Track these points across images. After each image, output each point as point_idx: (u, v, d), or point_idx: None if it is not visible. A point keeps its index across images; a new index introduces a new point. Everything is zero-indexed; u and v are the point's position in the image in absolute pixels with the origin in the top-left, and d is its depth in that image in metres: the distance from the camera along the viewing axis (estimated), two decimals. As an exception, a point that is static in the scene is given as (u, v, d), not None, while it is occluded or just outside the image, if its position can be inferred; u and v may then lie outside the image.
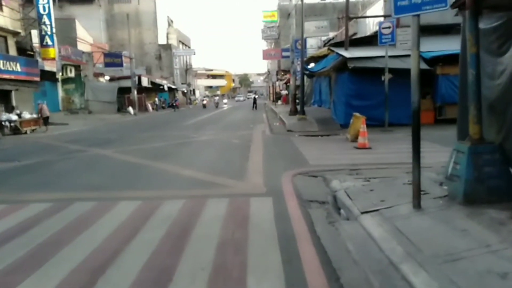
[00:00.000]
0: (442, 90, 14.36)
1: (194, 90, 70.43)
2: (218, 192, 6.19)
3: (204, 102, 46.83)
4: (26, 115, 18.26)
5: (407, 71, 13.76)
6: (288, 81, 36.05)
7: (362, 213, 4.86)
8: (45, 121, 18.52)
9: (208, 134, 15.24)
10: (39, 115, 18.40)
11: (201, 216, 4.97)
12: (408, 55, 14.56)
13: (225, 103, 55.37)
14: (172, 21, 60.45)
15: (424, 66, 14.11)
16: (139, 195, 6.09)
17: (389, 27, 13.42)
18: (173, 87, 49.89)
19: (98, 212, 5.34)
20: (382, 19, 17.57)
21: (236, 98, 79.77)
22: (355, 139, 11.34)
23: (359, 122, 11.28)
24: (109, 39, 47.54)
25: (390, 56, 13.64)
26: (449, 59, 14.27)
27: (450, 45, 15.09)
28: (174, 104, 40.42)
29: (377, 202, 5.11)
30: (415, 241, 3.93)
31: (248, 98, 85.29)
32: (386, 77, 13.49)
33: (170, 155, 10.07)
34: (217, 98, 51.91)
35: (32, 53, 22.40)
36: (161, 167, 8.34)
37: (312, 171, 7.55)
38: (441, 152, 9.32)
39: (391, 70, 13.56)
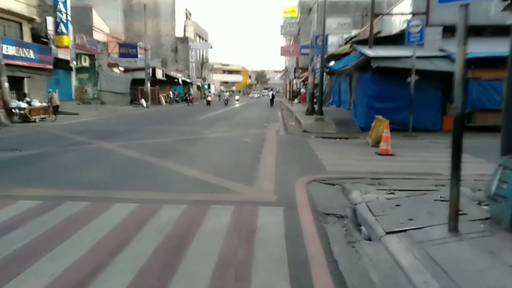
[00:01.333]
0: (473, 96, 13.40)
1: (209, 84, 70.02)
2: (223, 197, 5.54)
3: (209, 98, 39.19)
4: (36, 103, 17.97)
5: (434, 74, 12.98)
6: (306, 79, 35.22)
7: (387, 233, 4.15)
8: (55, 110, 18.19)
9: (220, 131, 14.63)
10: (49, 104, 18.08)
11: (201, 227, 4.34)
12: (437, 57, 13.83)
13: (237, 100, 50.46)
14: (190, 13, 60.07)
15: (453, 68, 13.09)
16: (136, 197, 5.50)
17: (418, 25, 12.55)
18: (188, 80, 49.54)
19: (89, 214, 4.76)
20: (410, 17, 16.66)
21: (250, 95, 76.92)
22: (376, 144, 10.56)
23: (382, 126, 10.49)
24: (126, 30, 47.43)
25: (417, 57, 12.77)
26: (482, 63, 13.34)
27: (482, 48, 14.11)
28: (188, 98, 40.00)
29: (404, 220, 4.39)
30: (454, 275, 3.22)
31: (263, 95, 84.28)
32: (413, 78, 12.63)
33: (176, 152, 9.48)
34: (227, 94, 45.06)
35: (46, 40, 22.14)
36: (165, 165, 7.74)
37: (329, 178, 6.84)
38: (473, 163, 8.48)
39: (417, 72, 12.70)
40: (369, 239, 4.41)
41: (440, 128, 14.18)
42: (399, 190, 5.80)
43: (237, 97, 53.79)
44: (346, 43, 24.62)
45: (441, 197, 5.02)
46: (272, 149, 10.12)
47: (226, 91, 53.33)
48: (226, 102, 39.82)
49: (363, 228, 4.65)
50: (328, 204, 5.33)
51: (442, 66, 13.31)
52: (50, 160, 8.28)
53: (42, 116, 18.07)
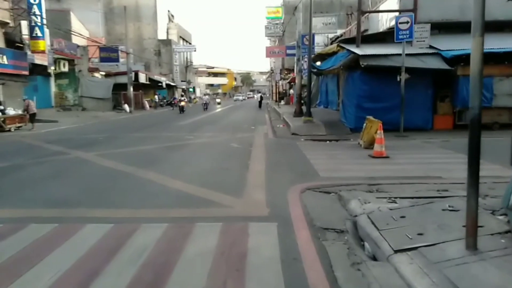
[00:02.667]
0: (463, 93, 13.10)
1: (194, 88, 69.18)
2: (209, 213, 4.97)
3: (182, 103, 29.88)
4: (11, 112, 17.07)
5: (424, 72, 12.62)
6: (293, 80, 34.85)
7: (396, 251, 3.66)
8: (32, 118, 17.29)
9: (205, 136, 14.04)
10: (25, 112, 17.17)
11: (184, 252, 3.76)
12: (427, 54, 13.48)
13: (219, 104, 46.85)
14: (173, 16, 59.23)
15: (444, 66, 12.94)
16: (112, 215, 4.90)
17: (407, 22, 12.21)
18: (172, 84, 48.69)
19: (54, 240, 4.14)
20: (396, 14, 16.37)
21: (235, 98, 73.07)
22: (369, 145, 10.14)
23: (374, 127, 10.07)
24: (107, 34, 46.33)
25: (407, 55, 12.43)
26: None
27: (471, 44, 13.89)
28: (173, 102, 39.17)
29: (413, 235, 3.90)
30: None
31: (248, 98, 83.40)
32: (403, 77, 12.29)
33: (159, 161, 8.86)
34: (206, 97, 37.75)
35: (21, 45, 21.17)
36: (146, 176, 7.12)
37: (323, 185, 6.34)
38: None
39: (407, 70, 12.36)
40: (374, 257, 3.92)
41: (431, 127, 13.89)
42: (401, 197, 5.34)
43: (218, 100, 49.97)
44: (332, 43, 24.33)
45: (449, 206, 4.56)
46: (261, 154, 9.60)
47: (205, 94, 44.80)
48: (206, 106, 34.16)
49: (366, 244, 4.16)
50: (326, 216, 4.82)
51: (432, 63, 13.02)
52: (18, 174, 7.55)
53: (18, 124, 17.18)
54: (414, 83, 13.06)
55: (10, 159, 9.20)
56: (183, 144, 11.80)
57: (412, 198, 5.34)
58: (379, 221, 4.33)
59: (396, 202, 5.07)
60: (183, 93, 32.49)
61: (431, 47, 13.79)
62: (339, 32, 27.51)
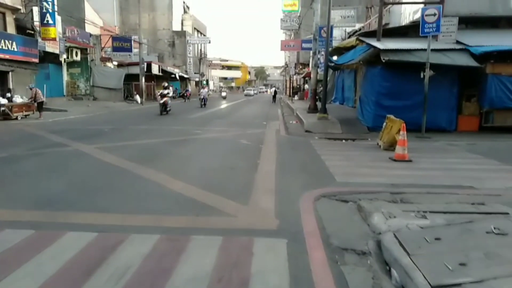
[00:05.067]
0: (492, 93, 12.19)
1: (207, 80, 68.67)
2: (209, 223, 4.33)
3: (165, 99, 19.89)
4: (18, 99, 16.72)
5: (450, 69, 11.69)
6: (307, 75, 33.95)
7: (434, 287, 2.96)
8: (39, 106, 16.92)
9: (214, 130, 13.40)
10: (32, 100, 16.80)
11: (173, 275, 3.13)
12: (454, 49, 12.52)
13: (224, 98, 41.75)
14: (188, 7, 58.62)
15: (472, 63, 11.99)
16: (98, 221, 4.30)
17: (434, 15, 11.30)
18: (186, 76, 48.19)
19: (27, 251, 3.56)
20: (420, 7, 15.40)
21: (246, 92, 67.24)
22: (389, 147, 9.37)
23: (395, 127, 9.29)
24: (122, 23, 46.06)
25: (432, 50, 11.55)
26: (503, 56, 12.12)
27: (501, 40, 12.91)
28: (185, 94, 38.70)
29: (454, 265, 3.18)
30: None
31: (260, 92, 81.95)
32: (427, 74, 11.42)
33: (162, 157, 8.26)
34: (204, 91, 28.74)
35: (32, 32, 20.82)
36: (144, 174, 6.52)
37: (340, 192, 5.64)
38: (504, 171, 7.31)
39: (432, 66, 11.49)
40: (403, 288, 3.23)
41: (455, 128, 12.99)
42: (431, 212, 4.61)
43: (223, 94, 44.90)
44: (349, 37, 23.39)
45: (494, 228, 3.82)
46: (271, 153, 8.91)
47: (203, 86, 34.47)
48: (204, 102, 27.07)
49: (393, 271, 3.45)
50: (344, 232, 4.13)
51: (460, 60, 12.08)
52: (6, 168, 6.99)
53: (26, 113, 16.83)
54: (438, 81, 12.18)
55: (6, 149, 8.72)
56: (189, 138, 11.19)
57: (445, 213, 4.60)
58: (409, 243, 3.62)
59: (426, 218, 4.34)
60: (166, 84, 21.50)
61: (458, 42, 12.85)
62: (357, 26, 26.48)
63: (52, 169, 6.94)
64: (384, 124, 10.21)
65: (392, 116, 9.97)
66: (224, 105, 32.26)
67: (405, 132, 8.27)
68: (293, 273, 3.18)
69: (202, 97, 27.47)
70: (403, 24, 16.51)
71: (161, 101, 19.75)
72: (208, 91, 30.80)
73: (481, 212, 4.61)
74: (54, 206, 4.79)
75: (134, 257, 3.41)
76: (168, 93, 20.58)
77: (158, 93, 21.60)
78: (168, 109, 20.12)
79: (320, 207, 4.98)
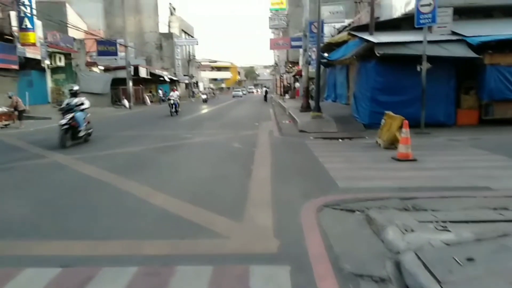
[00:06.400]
0: (491, 84, 11.72)
1: (197, 82, 67.82)
2: (197, 248, 3.68)
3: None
4: (-4, 108, 15.89)
5: (447, 61, 11.18)
6: (298, 73, 33.43)
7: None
8: (20, 115, 16.09)
9: (205, 133, 12.76)
10: (11, 109, 15.97)
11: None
12: (450, 41, 12.04)
13: (205, 101, 36.65)
14: (174, 8, 57.74)
15: (470, 53, 11.50)
16: (65, 251, 3.63)
17: (429, 5, 10.77)
18: (174, 78, 47.36)
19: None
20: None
21: (234, 93, 61.66)
22: (389, 145, 8.83)
23: (395, 124, 8.74)
24: (108, 27, 44.98)
25: (428, 42, 11.03)
26: (501, 46, 11.66)
27: (497, 29, 12.45)
28: (174, 97, 37.81)
29: (494, 293, 2.60)
30: None
31: (249, 92, 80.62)
32: (424, 66, 10.90)
33: (147, 166, 7.60)
34: (175, 94, 22.21)
35: (11, 38, 19.93)
36: (125, 187, 5.86)
37: (344, 200, 5.05)
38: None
39: (429, 59, 10.97)
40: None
41: (453, 122, 12.50)
42: (452, 221, 4.03)
43: (203, 97, 38.73)
44: (339, 33, 22.90)
45: (534, 242, 3.25)
46: (266, 157, 8.30)
47: (173, 89, 24.99)
48: (175, 109, 21.42)
49: (419, 301, 2.86)
50: (355, 252, 3.53)
51: (457, 51, 11.59)
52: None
53: (5, 122, 15.99)
54: (435, 74, 11.64)
55: (-24, 164, 7.98)
56: (178, 144, 10.53)
57: (467, 222, 4.04)
58: (436, 266, 3.02)
59: (449, 230, 3.76)
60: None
61: (453, 33, 12.38)
62: (346, 21, 26.00)
63: (21, 186, 6.22)
64: (383, 121, 9.67)
65: (390, 113, 9.43)
66: (204, 110, 27.20)
67: (408, 130, 7.71)
68: (301, 314, 2.57)
69: (172, 102, 21.36)
70: (394, 17, 16.03)
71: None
72: (179, 94, 23.48)
73: (509, 220, 4.05)
74: (14, 233, 4.10)
75: (103, 300, 2.76)
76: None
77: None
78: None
79: (324, 220, 4.38)
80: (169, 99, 22.56)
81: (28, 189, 5.98)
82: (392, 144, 8.78)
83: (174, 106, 21.42)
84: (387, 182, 5.98)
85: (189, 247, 3.69)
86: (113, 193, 5.61)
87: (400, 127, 8.39)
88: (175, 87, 27.47)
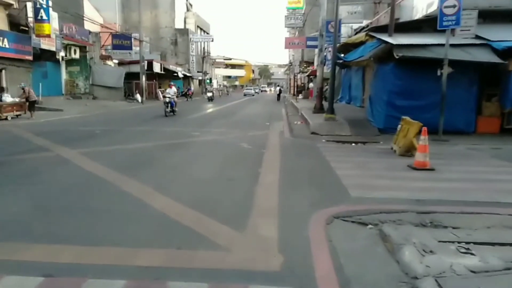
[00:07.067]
0: (516, 92, 11.14)
1: (211, 79, 67.75)
2: (193, 260, 3.35)
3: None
4: (8, 99, 15.89)
5: (468, 66, 10.65)
6: (312, 73, 32.95)
7: None
8: (31, 106, 16.09)
9: (213, 132, 12.47)
10: (24, 99, 15.97)
11: None
12: (474, 45, 11.50)
13: (210, 100, 33.25)
14: (191, 5, 57.73)
15: (495, 59, 10.95)
16: (50, 258, 3.34)
17: (454, 6, 10.28)
18: (188, 75, 47.31)
19: None
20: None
21: (245, 91, 60.22)
22: (405, 152, 8.41)
23: (412, 130, 8.32)
24: (124, 21, 45.22)
25: (450, 45, 10.53)
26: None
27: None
28: (187, 93, 37.83)
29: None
30: None
31: (262, 91, 79.97)
32: (445, 71, 10.41)
33: (151, 165, 7.34)
34: (171, 91, 18.93)
35: (26, 29, 19.99)
36: (126, 186, 5.60)
37: (356, 211, 4.69)
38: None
39: (450, 63, 10.47)
40: None
41: (473, 130, 11.95)
42: (475, 243, 3.65)
43: (209, 95, 34.84)
44: (356, 34, 22.39)
45: None
46: (275, 160, 7.96)
47: (170, 85, 20.48)
48: (171, 108, 18.31)
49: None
50: (368, 274, 3.17)
51: (481, 56, 11.05)
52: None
53: (17, 113, 16.02)
54: (456, 79, 11.13)
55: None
56: (186, 142, 10.28)
57: (493, 244, 3.65)
58: (459, 297, 2.67)
59: (473, 254, 3.38)
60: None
61: (477, 37, 11.83)
62: (364, 22, 25.45)
63: (18, 181, 5.98)
64: (399, 126, 9.25)
65: (408, 118, 9.01)
66: (209, 110, 24.27)
67: (427, 137, 7.28)
68: None
69: (168, 100, 18.18)
70: (415, 18, 15.48)
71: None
72: (176, 91, 20.46)
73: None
74: (1, 236, 3.85)
75: (85, 318, 2.48)
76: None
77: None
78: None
79: (333, 233, 4.03)
80: (164, 97, 19.25)
81: (23, 185, 5.72)
82: (408, 151, 8.37)
83: (169, 105, 18.31)
84: (403, 193, 5.59)
85: (185, 259, 3.38)
86: (113, 193, 5.34)
87: (418, 133, 7.99)
88: (172, 83, 23.59)
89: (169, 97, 18.24)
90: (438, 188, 5.91)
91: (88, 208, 4.75)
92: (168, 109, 18.08)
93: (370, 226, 4.34)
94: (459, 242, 3.67)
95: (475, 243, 3.65)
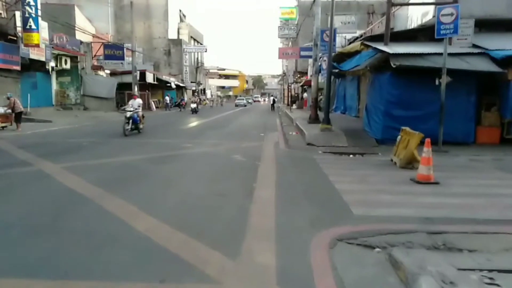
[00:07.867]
0: (516, 101, 10.90)
1: (205, 89, 67.51)
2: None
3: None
4: (-8, 110, 15.35)
5: (467, 75, 10.37)
6: (306, 83, 32.80)
7: None
8: (17, 117, 15.54)
9: (206, 143, 12.03)
10: (10, 111, 15.42)
11: None
12: (471, 54, 11.28)
13: (194, 111, 29.59)
14: (184, 15, 57.75)
15: (494, 68, 10.72)
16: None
17: (451, 15, 10.04)
18: (182, 85, 46.98)
19: None
20: (431, 9, 14.24)
21: (237, 101, 57.39)
22: (406, 165, 8.05)
23: (413, 141, 7.99)
24: (117, 32, 44.98)
25: (448, 54, 10.29)
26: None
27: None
28: (181, 104, 37.43)
29: None
30: None
31: (255, 101, 79.16)
32: (444, 80, 10.14)
33: (137, 180, 6.88)
34: (135, 103, 14.73)
35: (15, 38, 19.54)
36: (110, 206, 5.12)
37: (361, 232, 4.27)
38: None
39: (448, 72, 10.21)
40: None
41: (473, 140, 11.65)
42: (499, 271, 3.25)
43: (192, 106, 30.77)
44: (349, 44, 22.25)
45: None
46: (270, 173, 7.54)
47: (134, 96, 16.43)
48: (131, 124, 14.00)
49: None
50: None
51: (479, 65, 10.82)
52: None
53: (2, 124, 15.44)
54: (454, 88, 10.85)
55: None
56: (177, 154, 9.83)
57: (516, 271, 3.25)
58: None
59: (498, 285, 2.97)
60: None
61: (474, 46, 11.63)
62: (358, 32, 25.43)
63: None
64: (399, 137, 8.91)
65: (407, 128, 8.68)
66: (191, 124, 20.27)
67: (430, 149, 6.92)
68: None
69: (128, 115, 13.92)
70: (410, 28, 15.35)
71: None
72: (141, 103, 15.40)
73: None
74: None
75: None
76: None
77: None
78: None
79: (338, 259, 3.60)
80: (124, 110, 14.72)
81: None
82: (410, 163, 8.01)
83: (131, 120, 13.93)
84: (409, 210, 5.19)
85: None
86: (93, 213, 4.86)
87: (419, 144, 7.64)
88: (135, 94, 19.00)
89: (130, 111, 14.06)
90: (445, 204, 5.51)
91: (62, 231, 4.26)
92: (129, 127, 13.79)
93: (378, 249, 3.92)
94: (480, 270, 3.26)
95: (499, 271, 3.25)
